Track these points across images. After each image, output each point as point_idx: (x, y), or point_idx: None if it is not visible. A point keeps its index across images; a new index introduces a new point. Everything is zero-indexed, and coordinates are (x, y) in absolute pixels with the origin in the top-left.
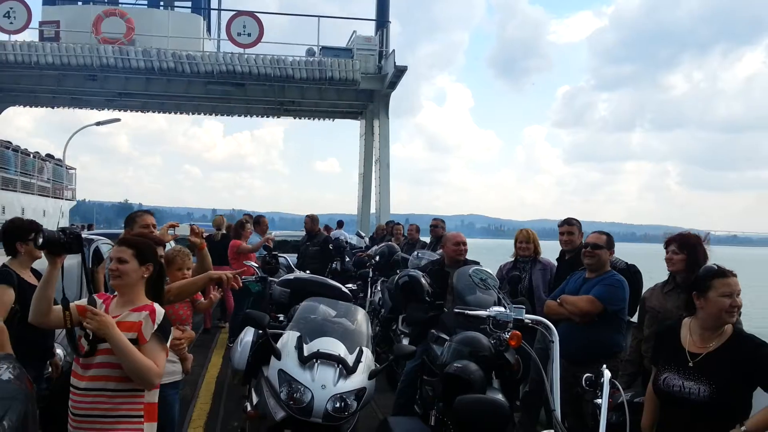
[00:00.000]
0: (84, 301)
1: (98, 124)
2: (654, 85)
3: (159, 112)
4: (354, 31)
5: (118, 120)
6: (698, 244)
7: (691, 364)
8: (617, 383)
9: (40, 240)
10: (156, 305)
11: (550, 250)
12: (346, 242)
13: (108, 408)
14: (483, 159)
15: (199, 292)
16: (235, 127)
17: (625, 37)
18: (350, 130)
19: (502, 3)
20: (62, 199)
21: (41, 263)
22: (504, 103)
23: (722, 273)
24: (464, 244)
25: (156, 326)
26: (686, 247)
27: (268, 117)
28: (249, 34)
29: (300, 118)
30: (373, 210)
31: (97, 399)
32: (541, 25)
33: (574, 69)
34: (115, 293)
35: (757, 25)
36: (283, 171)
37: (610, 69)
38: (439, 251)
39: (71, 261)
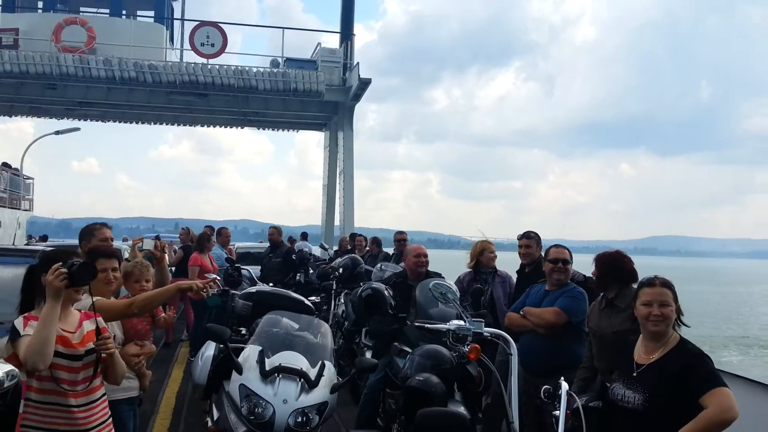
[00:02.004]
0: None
1: (57, 133)
2: (418, 99)
3: (120, 122)
4: (318, 43)
5: (77, 129)
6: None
7: (634, 374)
8: (573, 394)
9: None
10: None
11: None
12: (310, 254)
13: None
14: (255, 163)
15: (160, 308)
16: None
17: (392, 52)
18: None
19: (275, 8)
20: (19, 209)
21: None
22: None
23: (649, 282)
24: (425, 256)
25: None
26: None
27: (231, 128)
28: (212, 45)
29: (264, 129)
30: (337, 222)
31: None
32: (314, 33)
33: None
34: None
35: (508, 49)
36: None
37: (378, 81)
38: (402, 264)
39: (18, 272)
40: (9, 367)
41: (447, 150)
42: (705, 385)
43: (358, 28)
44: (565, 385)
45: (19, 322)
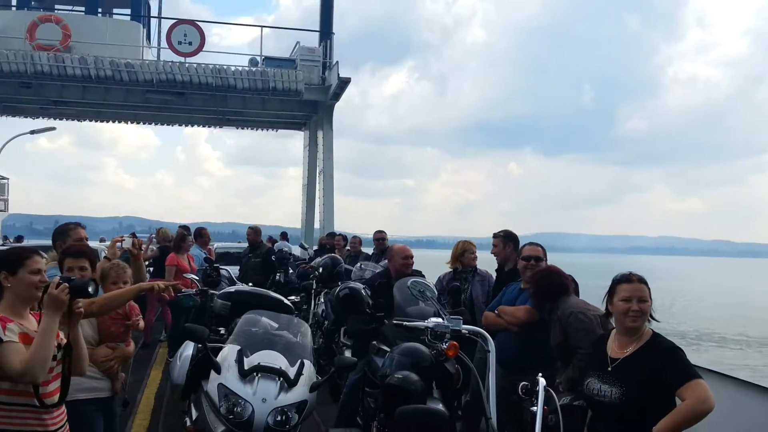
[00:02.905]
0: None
1: (32, 132)
2: None
3: (96, 121)
4: (297, 42)
5: (53, 129)
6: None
7: (609, 369)
8: (551, 390)
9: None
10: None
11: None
12: (290, 254)
13: None
14: (140, 158)
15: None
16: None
17: (288, 47)
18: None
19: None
20: None
21: None
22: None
23: (626, 278)
24: (412, 257)
25: None
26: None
27: (209, 127)
28: (190, 43)
29: (242, 129)
30: (317, 222)
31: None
32: (203, 26)
33: None
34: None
35: (403, 48)
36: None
37: None
38: (383, 263)
39: None
40: None
41: (344, 147)
42: (682, 377)
43: (247, 20)
44: (542, 381)
45: None
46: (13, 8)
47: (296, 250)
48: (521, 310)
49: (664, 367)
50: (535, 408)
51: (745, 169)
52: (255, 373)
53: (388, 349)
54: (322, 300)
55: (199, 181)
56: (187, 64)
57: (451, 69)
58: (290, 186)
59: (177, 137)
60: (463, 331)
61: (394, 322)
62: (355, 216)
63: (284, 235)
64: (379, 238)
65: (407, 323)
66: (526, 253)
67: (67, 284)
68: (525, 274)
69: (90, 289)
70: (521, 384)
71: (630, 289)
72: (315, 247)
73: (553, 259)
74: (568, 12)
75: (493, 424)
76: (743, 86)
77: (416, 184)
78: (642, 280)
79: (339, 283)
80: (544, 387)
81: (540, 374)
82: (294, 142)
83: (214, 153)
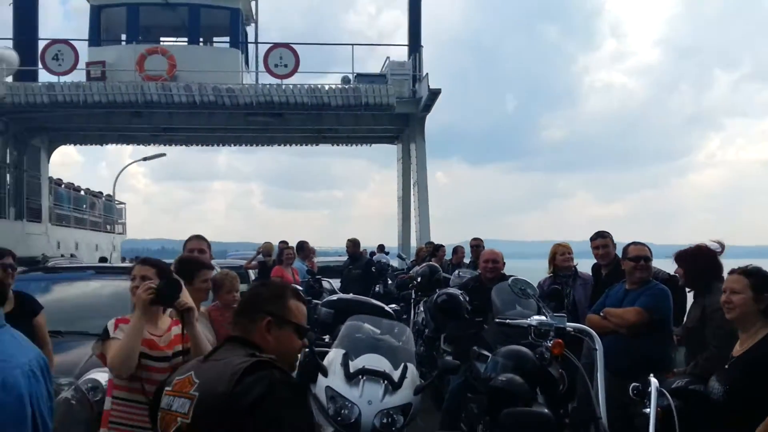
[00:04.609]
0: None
1: (145, 159)
2: None
3: (202, 145)
4: (387, 57)
5: (163, 155)
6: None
7: (726, 366)
8: (665, 391)
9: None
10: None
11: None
12: (388, 265)
13: None
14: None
15: None
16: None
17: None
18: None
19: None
20: (114, 233)
21: None
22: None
23: (730, 271)
24: (494, 261)
25: None
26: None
27: (307, 145)
28: (285, 65)
29: (338, 145)
30: (413, 234)
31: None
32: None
33: None
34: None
35: (329, 60)
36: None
37: None
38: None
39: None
40: (94, 381)
41: (269, 160)
42: None
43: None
44: (654, 382)
45: (111, 324)
46: (123, 42)
47: (395, 262)
48: (630, 312)
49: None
50: (648, 410)
51: (662, 174)
52: (360, 376)
53: (489, 354)
54: (422, 309)
55: (125, 198)
56: (283, 86)
57: None
58: (215, 200)
59: (101, 155)
60: (568, 328)
61: (497, 320)
62: (284, 227)
63: (381, 248)
64: (475, 245)
65: (510, 321)
66: (633, 253)
67: (154, 287)
68: (634, 275)
69: (173, 296)
70: (632, 385)
71: (726, 281)
72: (412, 258)
73: None
74: (489, 23)
75: (603, 424)
76: (656, 93)
77: (345, 195)
78: (745, 273)
79: (438, 291)
80: (657, 387)
81: (651, 375)
82: (217, 156)
83: (139, 170)
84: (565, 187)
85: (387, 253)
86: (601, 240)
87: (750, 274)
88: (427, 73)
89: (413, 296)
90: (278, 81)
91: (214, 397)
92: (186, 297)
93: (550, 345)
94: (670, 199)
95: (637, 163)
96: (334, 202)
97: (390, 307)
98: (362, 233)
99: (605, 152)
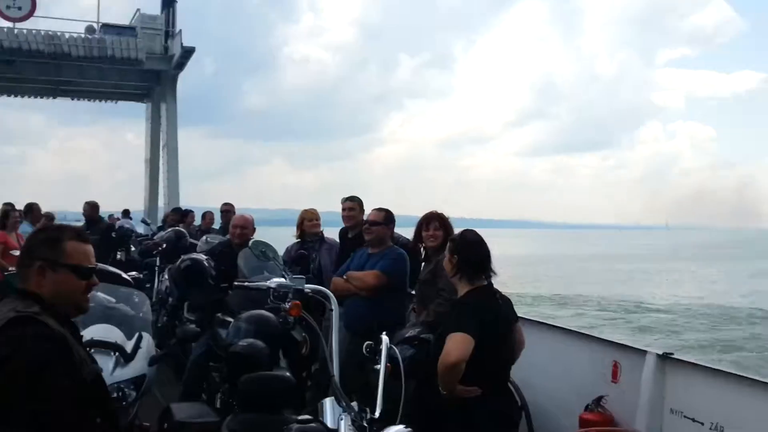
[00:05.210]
0: None
1: None
2: None
3: None
4: (137, 9)
5: None
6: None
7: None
8: (395, 348)
9: None
10: None
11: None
12: (132, 231)
13: None
14: None
15: None
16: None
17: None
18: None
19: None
20: None
21: None
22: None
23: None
24: (243, 227)
25: None
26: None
27: (42, 98)
28: (19, 8)
29: (78, 100)
30: (161, 198)
31: None
32: None
33: None
34: None
35: None
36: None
37: None
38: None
39: None
40: None
41: None
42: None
43: None
44: (385, 339)
45: None
46: None
47: (139, 228)
48: (370, 275)
49: None
50: (379, 366)
51: (354, 146)
52: (89, 349)
53: (232, 320)
54: (166, 276)
55: None
56: (16, 30)
57: None
58: None
59: None
60: (306, 290)
61: (235, 283)
62: None
63: (126, 213)
64: (225, 210)
65: (249, 284)
66: (368, 217)
67: None
68: (366, 238)
69: None
70: (366, 344)
71: None
72: (159, 224)
73: None
74: None
75: (336, 382)
76: (349, 70)
77: (18, 152)
78: None
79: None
80: (387, 344)
81: (384, 333)
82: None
83: None
84: (262, 155)
85: (131, 219)
86: (349, 203)
87: (452, 239)
88: (180, 30)
89: (157, 263)
90: (10, 24)
91: None
92: None
93: (288, 307)
94: (362, 171)
95: (331, 135)
96: (8, 158)
97: (130, 275)
98: (104, 197)
99: (302, 122)
